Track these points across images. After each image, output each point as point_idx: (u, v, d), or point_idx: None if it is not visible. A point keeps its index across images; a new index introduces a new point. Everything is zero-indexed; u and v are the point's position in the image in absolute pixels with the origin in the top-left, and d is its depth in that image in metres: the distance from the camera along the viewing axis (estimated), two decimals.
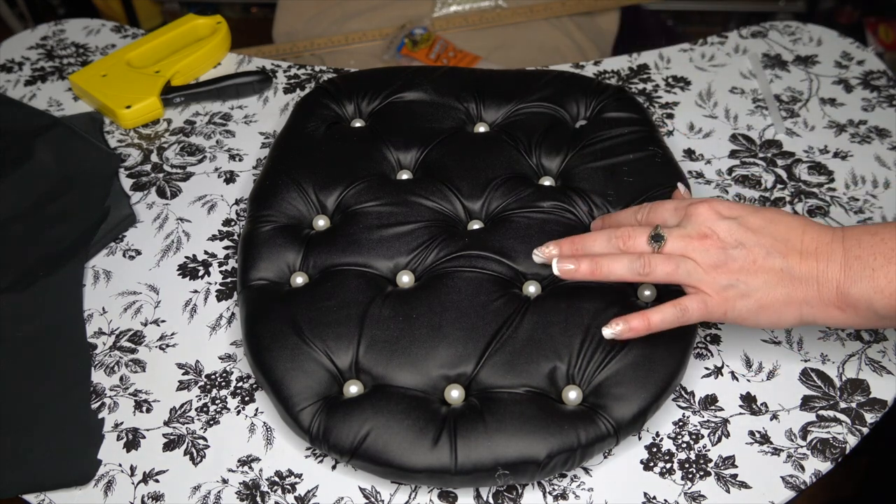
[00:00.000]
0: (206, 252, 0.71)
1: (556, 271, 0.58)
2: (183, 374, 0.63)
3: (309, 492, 0.57)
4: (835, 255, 0.53)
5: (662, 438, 0.59)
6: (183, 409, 0.61)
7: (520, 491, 0.57)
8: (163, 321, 0.66)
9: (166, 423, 0.60)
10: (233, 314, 0.67)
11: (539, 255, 0.61)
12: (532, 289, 0.63)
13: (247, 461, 0.58)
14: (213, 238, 0.72)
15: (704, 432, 0.59)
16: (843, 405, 0.60)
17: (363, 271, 0.64)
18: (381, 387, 0.58)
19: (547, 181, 0.71)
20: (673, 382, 0.58)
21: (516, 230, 0.66)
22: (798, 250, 0.55)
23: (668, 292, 0.62)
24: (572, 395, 0.57)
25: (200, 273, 0.70)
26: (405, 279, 0.64)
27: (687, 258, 0.56)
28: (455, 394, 0.58)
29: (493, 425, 0.55)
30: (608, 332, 0.57)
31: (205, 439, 0.59)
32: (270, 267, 0.65)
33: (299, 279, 0.65)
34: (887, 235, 0.53)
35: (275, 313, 0.62)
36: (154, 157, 0.79)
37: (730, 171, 0.76)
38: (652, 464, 0.57)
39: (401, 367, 0.59)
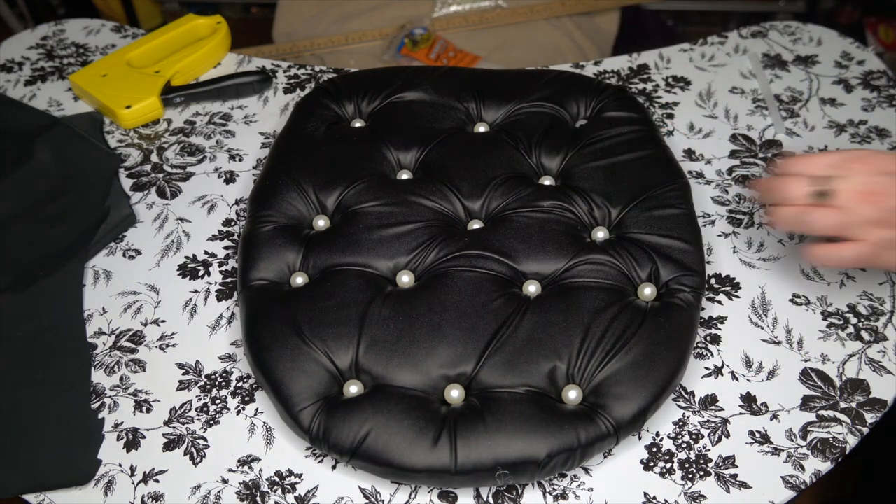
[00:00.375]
0: (206, 252, 0.71)
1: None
2: (183, 374, 0.63)
3: (309, 492, 0.57)
4: None
5: (662, 438, 0.59)
6: (183, 409, 0.61)
7: (520, 491, 0.57)
8: (163, 321, 0.66)
9: (166, 423, 0.60)
10: (233, 314, 0.67)
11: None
12: (532, 288, 0.63)
13: (247, 461, 0.58)
14: (213, 238, 0.72)
15: (704, 432, 0.59)
16: (843, 405, 0.60)
17: (363, 271, 0.64)
18: (381, 387, 0.58)
19: (547, 180, 0.71)
20: (673, 382, 0.58)
21: (516, 230, 0.66)
22: None
23: (668, 292, 0.62)
24: (572, 394, 0.57)
25: (200, 273, 0.70)
26: (405, 279, 0.64)
27: (852, 211, 0.58)
28: (455, 394, 0.58)
29: (493, 425, 0.55)
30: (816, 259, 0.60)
31: (205, 439, 0.59)
32: (270, 267, 0.65)
33: (299, 279, 0.65)
34: None
35: (275, 313, 0.62)
36: (154, 157, 0.79)
37: (730, 171, 0.76)
38: (652, 464, 0.57)
39: (401, 367, 0.59)
